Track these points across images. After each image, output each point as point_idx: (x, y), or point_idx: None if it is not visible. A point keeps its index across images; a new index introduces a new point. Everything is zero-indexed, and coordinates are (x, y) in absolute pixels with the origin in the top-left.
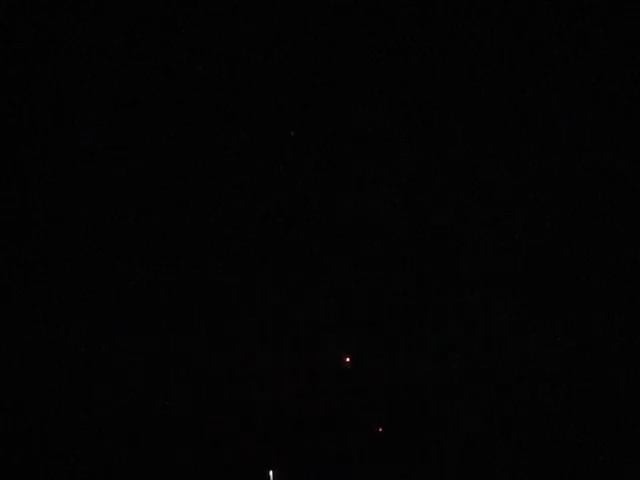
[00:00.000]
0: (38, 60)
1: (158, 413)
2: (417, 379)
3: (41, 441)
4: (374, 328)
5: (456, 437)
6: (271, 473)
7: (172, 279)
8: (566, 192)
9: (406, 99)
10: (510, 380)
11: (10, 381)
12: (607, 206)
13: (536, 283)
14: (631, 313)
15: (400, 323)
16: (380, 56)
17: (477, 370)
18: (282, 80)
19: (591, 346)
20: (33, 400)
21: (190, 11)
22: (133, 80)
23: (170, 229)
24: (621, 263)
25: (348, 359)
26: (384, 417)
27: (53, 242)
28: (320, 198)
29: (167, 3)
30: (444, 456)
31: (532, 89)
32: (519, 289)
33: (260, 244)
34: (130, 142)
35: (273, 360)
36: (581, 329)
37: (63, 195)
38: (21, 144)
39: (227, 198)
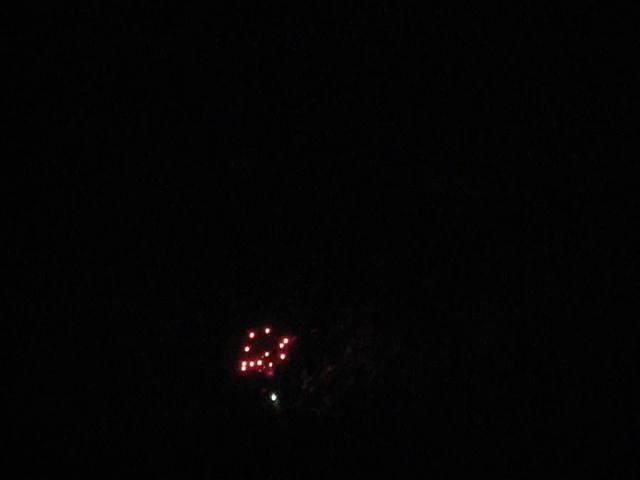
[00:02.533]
0: (38, 60)
1: (158, 413)
2: (417, 379)
3: (41, 441)
4: (374, 328)
5: (456, 437)
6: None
7: (172, 279)
8: (566, 192)
9: (406, 99)
10: (510, 380)
11: (10, 381)
12: (607, 206)
13: (536, 283)
14: (631, 313)
15: (400, 323)
16: (380, 56)
17: (477, 370)
18: (282, 80)
19: (591, 345)
20: (33, 400)
21: (190, 11)
22: (133, 80)
23: (170, 229)
24: (621, 263)
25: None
26: (384, 417)
27: (53, 242)
28: (320, 198)
29: (167, 3)
30: (445, 456)
31: (532, 89)
32: (519, 289)
33: (260, 244)
34: (130, 142)
35: (272, 360)
36: (580, 327)
37: (64, 195)
38: (21, 144)
39: (227, 198)
